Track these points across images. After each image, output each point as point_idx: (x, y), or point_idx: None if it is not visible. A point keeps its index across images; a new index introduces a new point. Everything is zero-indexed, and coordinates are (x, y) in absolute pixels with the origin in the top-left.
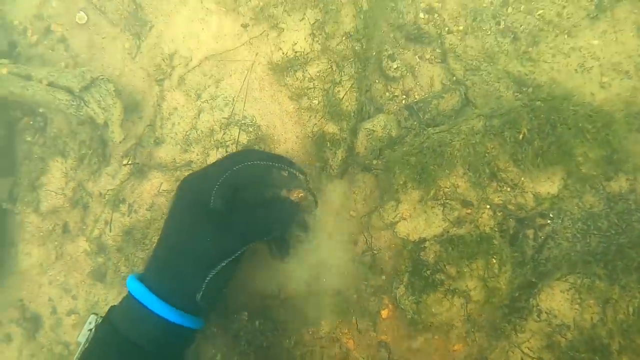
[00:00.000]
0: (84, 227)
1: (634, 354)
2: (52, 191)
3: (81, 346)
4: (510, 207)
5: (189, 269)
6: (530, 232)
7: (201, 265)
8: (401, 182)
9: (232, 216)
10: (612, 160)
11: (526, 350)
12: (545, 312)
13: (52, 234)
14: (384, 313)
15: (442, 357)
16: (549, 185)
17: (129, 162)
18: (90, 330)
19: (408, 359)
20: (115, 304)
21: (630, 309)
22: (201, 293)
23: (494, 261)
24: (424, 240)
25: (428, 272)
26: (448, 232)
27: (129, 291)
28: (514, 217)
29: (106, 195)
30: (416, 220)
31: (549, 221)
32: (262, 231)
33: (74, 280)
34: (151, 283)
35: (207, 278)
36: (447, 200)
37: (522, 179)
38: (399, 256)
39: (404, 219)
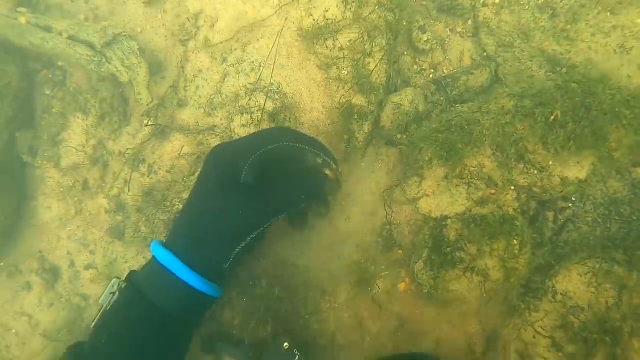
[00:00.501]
0: (103, 184)
1: None
2: (72, 147)
3: (102, 308)
4: (535, 189)
5: (218, 239)
6: (550, 215)
7: (231, 237)
8: (426, 158)
9: (263, 190)
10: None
11: (539, 329)
12: (561, 294)
13: (72, 189)
14: (401, 286)
15: (455, 332)
16: (578, 169)
17: (150, 123)
18: (113, 293)
19: (421, 332)
20: (135, 268)
21: None
22: (228, 263)
23: (515, 242)
24: (446, 217)
25: (448, 249)
26: (470, 211)
27: (154, 257)
28: (537, 199)
29: (126, 154)
30: (439, 198)
31: (570, 204)
32: (292, 202)
33: (92, 236)
34: (177, 250)
35: (236, 249)
36: (472, 180)
37: (550, 162)
38: (419, 232)
39: (427, 195)
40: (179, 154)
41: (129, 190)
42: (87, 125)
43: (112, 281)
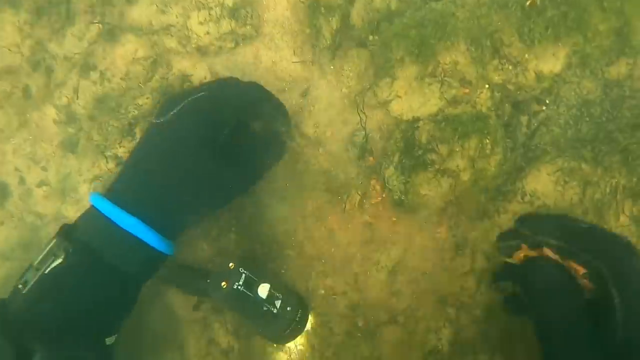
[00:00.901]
0: (50, 93)
1: None
2: (4, 47)
3: (40, 272)
4: (509, 86)
5: (180, 204)
6: (524, 119)
7: (194, 204)
8: (398, 57)
9: (236, 160)
10: (621, 33)
11: (506, 229)
12: (529, 195)
13: (10, 97)
14: (371, 194)
15: (425, 240)
16: (553, 62)
17: (97, 22)
18: (54, 255)
19: (391, 241)
20: (73, 222)
21: (607, 189)
22: (184, 226)
23: (487, 141)
24: (418, 119)
25: (420, 151)
26: (443, 111)
27: (103, 214)
28: (511, 101)
29: (72, 60)
30: (411, 98)
31: (544, 107)
32: (260, 176)
33: (43, 151)
34: (128, 205)
35: (196, 215)
36: (445, 78)
37: (526, 55)
38: (391, 137)
39: (399, 96)
40: (133, 58)
41: (77, 98)
42: (19, 21)
43: (52, 243)
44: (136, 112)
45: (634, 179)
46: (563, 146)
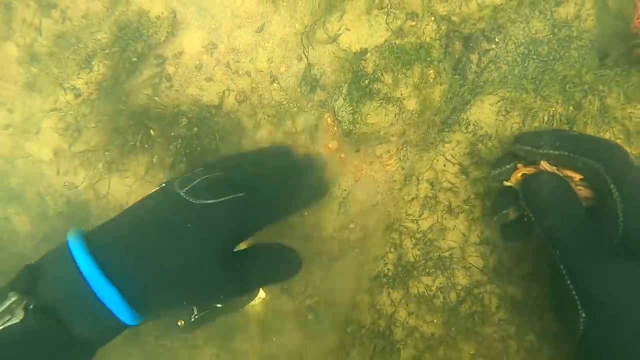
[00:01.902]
0: (11, 32)
1: None
2: None
3: None
4: (454, 18)
5: (166, 289)
6: (474, 57)
7: (180, 294)
8: None
9: (241, 272)
10: None
11: (449, 157)
12: (473, 125)
13: None
14: (322, 126)
15: (374, 172)
16: None
17: None
18: (11, 311)
19: (342, 173)
20: (40, 259)
21: (546, 117)
22: (158, 308)
23: (430, 71)
24: (366, 50)
25: (366, 81)
26: (389, 42)
27: (75, 264)
28: (461, 39)
29: None
30: (359, 31)
31: (493, 46)
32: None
33: (8, 93)
34: (108, 266)
35: (177, 304)
36: (392, 9)
37: None
38: (341, 70)
39: (348, 29)
40: None
41: (40, 35)
42: None
43: (10, 298)
44: (95, 46)
45: (570, 108)
46: (510, 82)
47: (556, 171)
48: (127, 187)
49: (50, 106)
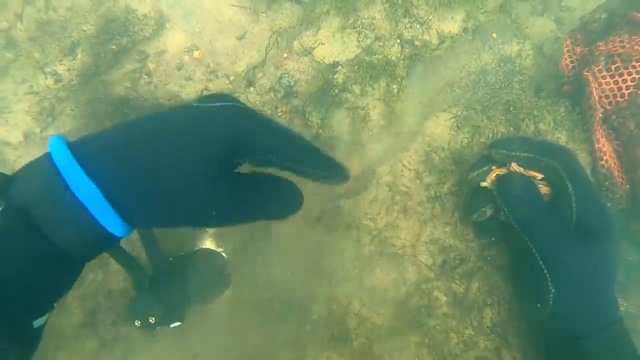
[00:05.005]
0: None
1: None
2: None
3: None
4: (417, 43)
5: (160, 197)
6: (433, 80)
7: (175, 204)
8: (324, 10)
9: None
10: (504, 8)
11: (406, 163)
12: (429, 136)
13: None
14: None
15: None
16: (452, 24)
17: None
18: None
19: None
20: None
21: (490, 135)
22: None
23: (394, 85)
24: (338, 64)
25: (336, 91)
26: (359, 57)
27: (53, 164)
28: (420, 59)
29: None
30: (333, 46)
31: (450, 72)
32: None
33: None
34: (90, 165)
35: (170, 217)
36: (363, 30)
37: (430, 16)
38: (314, 79)
39: (323, 43)
40: None
41: (21, 22)
42: None
43: None
44: (80, 35)
45: (511, 128)
46: (462, 103)
47: (524, 172)
48: None
49: (25, 90)
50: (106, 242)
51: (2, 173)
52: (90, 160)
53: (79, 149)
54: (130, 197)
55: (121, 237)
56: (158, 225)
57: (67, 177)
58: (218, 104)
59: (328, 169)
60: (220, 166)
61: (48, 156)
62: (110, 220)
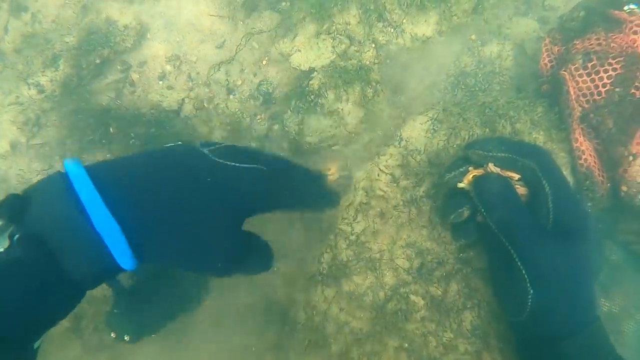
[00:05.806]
0: None
1: None
2: None
3: None
4: (391, 47)
5: (177, 241)
6: (412, 82)
7: (187, 249)
8: (301, 17)
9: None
10: (477, 9)
11: (383, 168)
12: (405, 140)
13: None
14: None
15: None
16: (425, 27)
17: None
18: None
19: None
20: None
21: (466, 137)
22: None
23: (369, 90)
24: (313, 70)
25: (312, 96)
26: (334, 63)
27: (74, 191)
28: (396, 63)
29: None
30: (309, 52)
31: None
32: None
33: None
34: (110, 199)
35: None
36: (338, 35)
37: (404, 20)
38: (291, 86)
39: (299, 50)
40: (64, 2)
41: (7, 34)
42: None
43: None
44: (62, 47)
45: (486, 129)
46: (439, 105)
47: (500, 172)
48: None
49: (11, 101)
50: (112, 274)
51: (15, 194)
52: (110, 193)
53: (100, 179)
54: (147, 236)
55: (127, 270)
56: (163, 264)
57: (90, 210)
58: (244, 166)
59: (324, 206)
60: (236, 219)
61: (66, 181)
62: (124, 256)
